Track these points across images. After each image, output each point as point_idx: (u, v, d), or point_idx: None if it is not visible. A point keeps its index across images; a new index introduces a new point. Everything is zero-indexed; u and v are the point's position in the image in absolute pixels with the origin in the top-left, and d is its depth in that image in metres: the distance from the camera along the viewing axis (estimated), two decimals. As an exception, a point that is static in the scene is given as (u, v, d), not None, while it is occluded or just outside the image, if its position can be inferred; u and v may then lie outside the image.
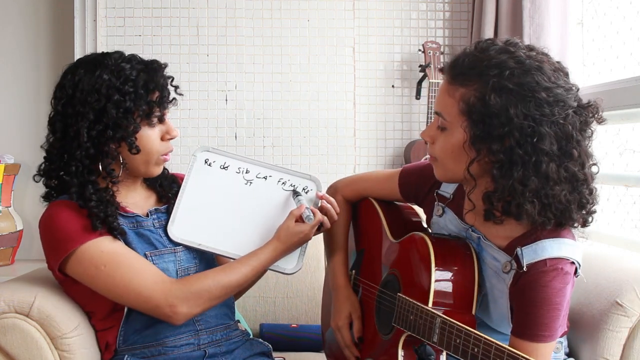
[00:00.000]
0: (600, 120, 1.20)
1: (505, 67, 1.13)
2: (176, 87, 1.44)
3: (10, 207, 2.73)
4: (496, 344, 1.04)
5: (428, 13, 2.76)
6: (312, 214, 1.43)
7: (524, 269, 1.16)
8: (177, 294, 1.32)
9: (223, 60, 2.70)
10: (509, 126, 1.12)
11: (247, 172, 1.52)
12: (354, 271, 1.61)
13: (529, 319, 1.16)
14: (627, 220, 2.07)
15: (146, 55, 1.44)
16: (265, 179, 1.51)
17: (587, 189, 1.18)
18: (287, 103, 2.72)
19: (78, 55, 2.59)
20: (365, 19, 2.73)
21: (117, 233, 1.35)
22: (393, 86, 2.75)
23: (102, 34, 2.66)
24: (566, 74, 1.19)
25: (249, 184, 1.51)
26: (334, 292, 1.58)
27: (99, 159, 1.36)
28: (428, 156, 1.34)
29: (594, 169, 1.19)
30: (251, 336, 1.60)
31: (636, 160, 2.01)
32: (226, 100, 2.70)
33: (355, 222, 1.66)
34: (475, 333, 1.08)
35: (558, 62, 1.20)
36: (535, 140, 1.12)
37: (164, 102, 1.39)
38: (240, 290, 1.62)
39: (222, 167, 1.51)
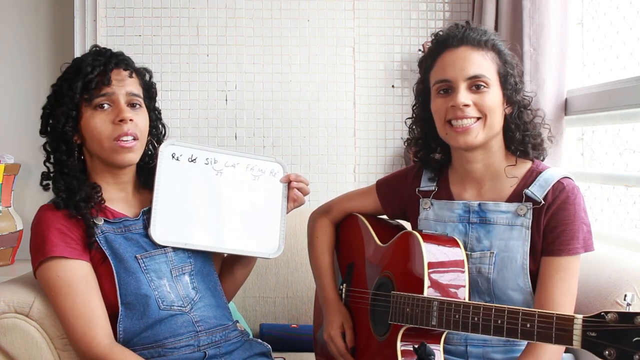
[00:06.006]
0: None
1: (492, 33, 1.43)
2: (150, 75, 1.51)
3: (10, 207, 2.72)
4: (495, 306, 1.12)
5: (428, 13, 2.76)
6: None
7: (542, 202, 1.33)
8: (95, 355, 1.31)
9: (223, 60, 2.69)
10: (514, 70, 1.42)
11: (215, 162, 1.53)
12: (344, 284, 1.62)
13: (565, 235, 1.31)
14: (627, 220, 2.07)
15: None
16: (234, 167, 1.53)
17: None
18: (287, 103, 2.72)
19: (78, 55, 2.59)
20: (365, 19, 2.73)
21: (91, 242, 1.36)
22: (393, 86, 2.74)
23: (102, 34, 2.65)
24: None
25: (219, 174, 1.52)
26: (325, 306, 1.59)
27: (70, 151, 1.41)
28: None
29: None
30: (251, 336, 1.60)
31: (636, 160, 2.01)
32: (226, 100, 2.70)
33: (342, 239, 1.68)
34: (472, 303, 1.16)
35: None
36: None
37: (103, 82, 1.39)
38: (231, 291, 1.64)
39: (190, 159, 1.51)
